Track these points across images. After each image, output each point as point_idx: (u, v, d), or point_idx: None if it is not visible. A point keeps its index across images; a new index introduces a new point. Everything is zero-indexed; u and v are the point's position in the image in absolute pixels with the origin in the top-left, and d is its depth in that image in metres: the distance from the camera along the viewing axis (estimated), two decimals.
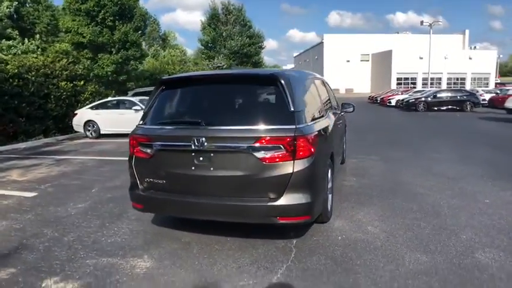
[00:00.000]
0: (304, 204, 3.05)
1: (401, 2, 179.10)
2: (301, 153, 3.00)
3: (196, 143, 3.12)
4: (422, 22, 32.52)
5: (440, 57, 43.19)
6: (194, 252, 3.36)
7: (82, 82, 14.06)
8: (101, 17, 16.33)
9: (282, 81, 3.18)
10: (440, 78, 46.21)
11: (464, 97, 21.16)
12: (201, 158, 3.20)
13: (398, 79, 46.76)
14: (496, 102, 21.74)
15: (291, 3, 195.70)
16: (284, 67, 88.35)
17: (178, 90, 3.68)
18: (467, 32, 51.99)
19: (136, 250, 3.42)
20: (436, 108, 21.16)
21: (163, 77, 3.87)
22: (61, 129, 13.13)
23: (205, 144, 3.11)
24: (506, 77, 63.02)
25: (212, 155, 3.16)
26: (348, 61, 51.64)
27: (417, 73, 46.06)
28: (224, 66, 27.49)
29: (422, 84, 45.11)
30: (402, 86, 44.77)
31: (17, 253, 3.42)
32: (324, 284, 2.79)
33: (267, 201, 3.08)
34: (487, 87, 40.00)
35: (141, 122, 3.61)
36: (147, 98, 12.78)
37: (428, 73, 38.29)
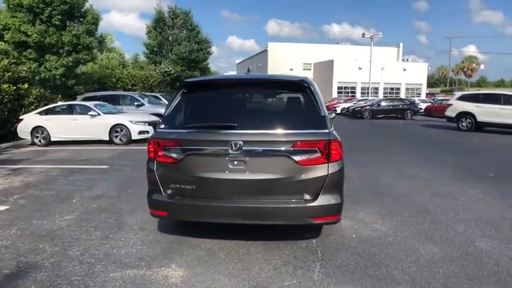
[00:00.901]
0: (336, 205, 3.20)
1: (336, 14, 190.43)
2: (334, 156, 3.15)
3: (234, 147, 3.12)
4: (364, 34, 35.11)
5: (378, 68, 46.61)
6: (222, 257, 3.32)
7: (26, 85, 12.83)
8: (46, 14, 15.02)
9: (311, 87, 3.33)
10: (377, 88, 49.86)
11: (405, 106, 23.29)
12: (235, 162, 3.19)
13: (339, 88, 49.54)
14: (431, 111, 24.22)
15: (232, 9, 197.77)
16: (225, 74, 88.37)
17: (204, 93, 3.61)
18: (401, 45, 56.97)
19: (159, 260, 3.27)
20: (380, 116, 22.87)
21: (188, 80, 3.71)
22: (1, 136, 11.82)
23: (243, 148, 3.11)
24: (432, 87, 69.89)
25: (248, 158, 3.16)
26: (291, 69, 53.47)
27: (356, 82, 49.24)
28: (172, 72, 26.83)
29: (361, 93, 48.38)
30: (343, 94, 47.57)
31: (22, 272, 3.08)
32: (362, 277, 2.96)
33: (304, 203, 3.17)
34: (419, 96, 44.19)
35: (163, 126, 3.47)
36: (103, 103, 12.36)
37: (369, 82, 41.26)
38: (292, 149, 3.12)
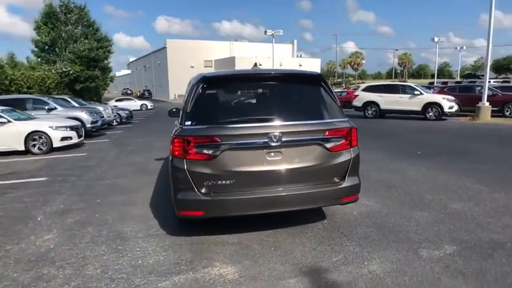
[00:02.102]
0: (358, 185, 3.59)
1: (226, 12, 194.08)
2: (354, 142, 3.53)
3: (273, 139, 3.21)
4: (266, 31, 36.76)
5: (276, 63, 49.51)
6: (258, 248, 3.40)
7: None
8: None
9: (326, 81, 3.64)
10: None
11: None
12: (272, 154, 3.28)
13: None
14: None
15: (116, 6, 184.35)
16: (118, 73, 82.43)
17: (227, 88, 3.57)
18: (295, 41, 61.38)
19: (197, 261, 3.17)
20: None
21: (207, 75, 3.56)
22: None
23: (282, 139, 3.23)
24: None
25: (284, 149, 3.28)
26: (192, 67, 52.95)
27: None
28: (70, 72, 24.04)
29: None
30: None
31: None
32: (389, 243, 3.44)
33: (334, 185, 3.47)
34: None
35: (190, 123, 3.31)
36: (7, 107, 10.41)
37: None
38: (323, 137, 3.38)
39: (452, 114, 14.94)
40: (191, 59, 52.53)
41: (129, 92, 64.94)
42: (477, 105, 14.79)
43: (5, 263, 3.27)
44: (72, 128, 9.88)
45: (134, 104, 29.11)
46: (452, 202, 4.55)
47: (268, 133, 3.23)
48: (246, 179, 3.29)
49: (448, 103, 14.72)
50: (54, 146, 9.33)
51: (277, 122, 3.33)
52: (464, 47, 59.06)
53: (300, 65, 54.95)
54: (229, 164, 3.24)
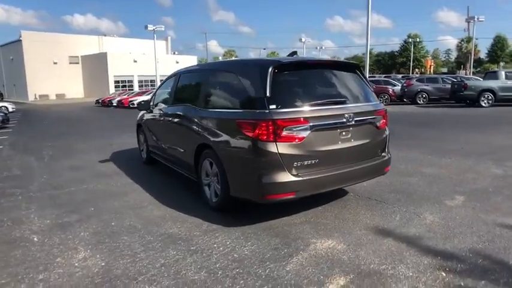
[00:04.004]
0: (390, 157, 4.12)
1: (78, 5, 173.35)
2: (387, 121, 4.06)
3: (349, 119, 3.49)
4: (146, 26, 34.46)
5: (152, 60, 47.32)
6: (329, 222, 3.57)
7: None
8: None
9: (361, 69, 4.06)
10: (154, 81, 50.64)
11: None
12: (343, 133, 3.52)
13: (116, 82, 47.03)
14: None
15: None
16: None
17: (297, 73, 3.59)
18: (169, 38, 59.40)
19: (293, 242, 3.14)
20: None
21: (281, 60, 3.51)
22: None
23: (354, 119, 3.51)
24: None
25: (351, 128, 3.56)
26: (56, 63, 46.09)
27: (133, 76, 48.22)
28: None
29: (139, 86, 47.91)
30: (120, 89, 45.63)
31: None
32: (418, 201, 4.10)
33: (380, 158, 3.92)
34: None
35: (274, 106, 3.21)
36: None
37: (146, 75, 41.32)
38: (374, 116, 3.82)
39: None
40: (53, 54, 45.61)
41: None
42: None
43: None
44: None
45: None
46: (422, 168, 5.54)
47: (344, 114, 3.49)
48: (327, 157, 3.44)
49: None
50: None
51: (349, 104, 3.63)
52: (324, 47, 67.68)
53: (177, 62, 53.83)
54: (314, 144, 3.35)
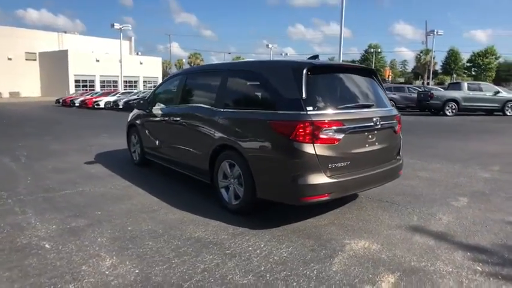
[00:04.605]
0: (403, 161, 4.24)
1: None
2: (401, 126, 4.18)
3: (376, 123, 3.56)
4: (113, 25, 33.10)
5: (115, 60, 45.65)
6: (354, 224, 3.61)
7: None
8: None
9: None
10: (116, 81, 48.85)
11: None
12: (370, 136, 3.58)
13: (76, 81, 44.82)
14: None
15: None
16: None
17: (327, 76, 3.60)
18: (133, 38, 57.42)
19: (328, 243, 3.13)
20: None
21: (314, 63, 3.50)
22: None
23: (380, 123, 3.60)
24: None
25: (376, 132, 3.62)
26: (10, 59, 43.06)
27: (95, 76, 46.24)
28: None
29: (101, 87, 46.01)
30: (81, 88, 43.61)
31: None
32: (428, 202, 4.27)
33: (397, 162, 4.02)
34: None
35: (311, 108, 3.19)
36: None
37: (108, 76, 39.85)
38: (394, 121, 3.93)
39: None
40: (7, 49, 42.55)
41: None
42: None
43: None
44: None
45: None
46: (417, 172, 5.78)
47: (372, 117, 3.56)
48: (356, 160, 3.48)
49: None
50: None
51: (375, 108, 3.72)
52: (288, 54, 69.04)
53: (141, 63, 52.49)
54: (347, 147, 3.38)
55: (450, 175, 5.61)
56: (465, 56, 61.61)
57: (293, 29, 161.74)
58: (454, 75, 57.75)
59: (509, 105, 16.82)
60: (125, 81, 49.78)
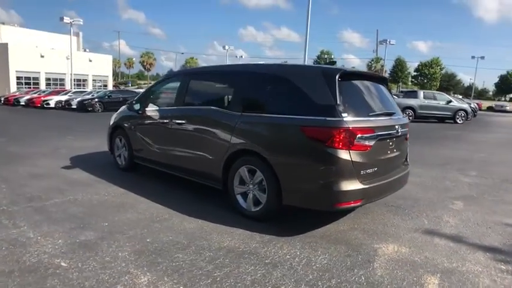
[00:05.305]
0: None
1: None
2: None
3: (398, 130, 3.69)
4: (62, 18, 30.75)
5: (63, 57, 42.63)
6: (376, 228, 3.69)
7: None
8: None
9: None
10: (64, 79, 45.67)
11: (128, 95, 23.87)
12: (391, 143, 3.68)
13: (18, 78, 41.08)
14: None
15: None
16: None
17: (353, 83, 3.60)
18: (80, 34, 53.70)
19: (361, 248, 3.16)
20: (111, 108, 22.19)
21: (344, 69, 3.52)
22: None
23: (401, 130, 3.74)
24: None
25: (395, 139, 3.73)
26: None
27: (40, 72, 42.76)
28: None
29: (46, 85, 42.76)
30: (24, 86, 40.19)
31: None
32: (431, 204, 4.51)
33: (407, 168, 4.16)
34: (106, 88, 44.68)
35: (346, 115, 3.19)
36: None
37: (55, 73, 37.21)
38: (407, 129, 4.06)
39: None
40: None
41: None
42: None
43: None
44: None
45: None
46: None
47: (395, 125, 3.69)
48: (382, 166, 3.56)
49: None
50: None
51: (395, 116, 3.85)
52: (243, 56, 68.79)
53: (91, 60, 49.50)
54: (376, 153, 3.45)
55: (436, 180, 5.95)
56: (411, 65, 66.33)
57: (244, 31, 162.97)
58: (400, 83, 61.82)
59: (460, 114, 18.37)
60: (74, 80, 46.74)
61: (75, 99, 23.26)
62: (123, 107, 6.07)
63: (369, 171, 3.38)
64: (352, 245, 3.27)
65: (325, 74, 3.43)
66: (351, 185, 3.21)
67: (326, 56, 66.38)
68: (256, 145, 3.61)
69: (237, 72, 4.34)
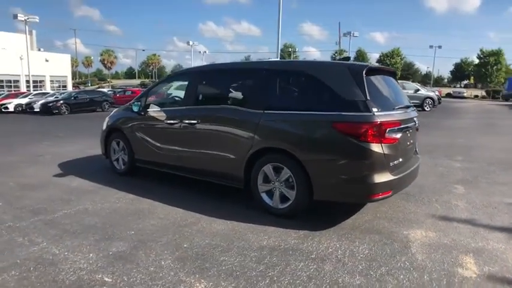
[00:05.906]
0: None
1: None
2: None
3: (415, 122, 3.94)
4: (16, 16, 28.56)
5: (15, 57, 39.95)
6: (399, 217, 3.84)
7: None
8: None
9: None
10: (18, 81, 42.84)
11: (102, 98, 23.08)
12: (409, 134, 3.86)
13: None
14: (117, 100, 25.09)
15: None
16: None
17: (375, 78, 3.66)
18: (34, 32, 50.25)
19: (393, 237, 3.28)
20: (78, 110, 21.24)
21: (370, 65, 3.63)
22: None
23: (417, 122, 3.96)
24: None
25: (411, 130, 3.91)
26: None
27: None
28: None
29: None
30: None
31: None
32: (432, 191, 4.75)
33: (419, 159, 4.35)
34: (66, 89, 42.56)
35: (376, 109, 3.29)
36: None
37: (29, 75, 35.15)
38: (417, 119, 4.20)
39: None
40: None
41: None
42: None
43: None
44: None
45: None
46: None
47: (413, 117, 3.93)
48: (405, 157, 3.73)
49: None
50: None
51: (410, 109, 4.04)
52: (207, 52, 67.78)
53: (47, 60, 46.78)
54: (401, 145, 3.60)
55: (430, 166, 6.23)
56: (371, 56, 68.65)
57: (204, 26, 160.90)
58: None
59: (428, 102, 19.39)
60: (27, 81, 43.92)
61: (38, 101, 21.92)
62: (118, 108, 5.84)
63: (395, 162, 3.52)
64: (384, 233, 3.40)
65: (353, 70, 3.50)
66: (383, 177, 3.33)
67: (290, 49, 67.03)
68: (283, 142, 3.62)
69: (255, 69, 4.28)
